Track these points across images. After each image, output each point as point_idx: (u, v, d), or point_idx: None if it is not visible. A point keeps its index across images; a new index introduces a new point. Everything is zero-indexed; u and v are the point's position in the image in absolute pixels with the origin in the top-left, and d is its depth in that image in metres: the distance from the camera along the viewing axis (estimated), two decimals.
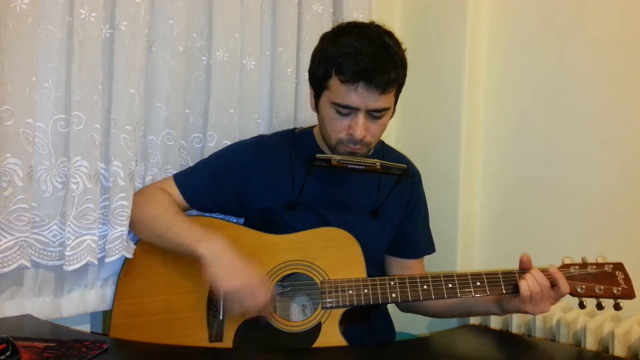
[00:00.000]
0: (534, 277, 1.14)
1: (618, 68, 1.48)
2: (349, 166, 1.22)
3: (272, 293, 1.17)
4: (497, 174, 1.72)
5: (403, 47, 1.23)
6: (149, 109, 1.35)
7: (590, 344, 1.34)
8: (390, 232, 1.37)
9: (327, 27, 1.61)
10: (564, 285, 1.13)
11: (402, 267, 1.42)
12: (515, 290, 1.15)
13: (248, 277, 1.15)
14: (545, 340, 1.42)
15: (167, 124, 1.37)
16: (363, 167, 1.22)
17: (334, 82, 1.18)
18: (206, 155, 1.42)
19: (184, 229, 1.22)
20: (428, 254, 1.45)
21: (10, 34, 1.10)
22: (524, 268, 1.18)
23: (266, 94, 1.58)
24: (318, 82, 1.23)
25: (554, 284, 1.14)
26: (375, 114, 1.20)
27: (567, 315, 1.41)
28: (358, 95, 1.16)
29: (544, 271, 1.16)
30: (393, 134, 1.81)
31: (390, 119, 1.26)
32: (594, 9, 1.51)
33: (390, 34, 1.22)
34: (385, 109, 1.21)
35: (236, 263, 1.16)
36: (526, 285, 1.13)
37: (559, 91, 1.58)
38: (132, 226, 1.30)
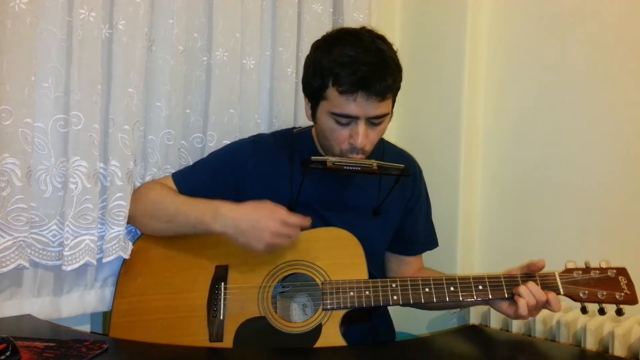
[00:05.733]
0: (533, 294, 1.13)
1: (618, 68, 1.48)
2: (345, 168, 1.21)
3: (295, 217, 1.19)
4: (497, 174, 1.72)
5: (395, 49, 1.22)
6: (149, 109, 1.35)
7: (590, 344, 1.34)
8: (391, 230, 1.37)
9: (327, 27, 1.61)
10: (557, 307, 1.14)
11: (400, 262, 1.42)
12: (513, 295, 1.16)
13: (270, 226, 1.16)
14: (545, 340, 1.42)
15: (167, 124, 1.37)
16: (359, 169, 1.22)
17: (332, 92, 1.17)
18: (206, 155, 1.41)
19: (191, 208, 1.23)
20: (429, 249, 1.45)
21: (9, 33, 1.10)
22: (531, 272, 1.17)
23: (266, 94, 1.58)
24: (314, 92, 1.22)
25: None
26: (374, 121, 1.19)
27: (567, 315, 1.41)
28: (357, 105, 1.16)
29: (547, 277, 1.16)
30: (393, 134, 1.81)
31: (389, 122, 1.26)
32: (594, 9, 1.51)
33: (383, 39, 1.21)
34: (385, 115, 1.20)
35: (252, 222, 1.18)
36: (525, 303, 1.13)
37: (558, 91, 1.58)
38: (135, 220, 1.29)
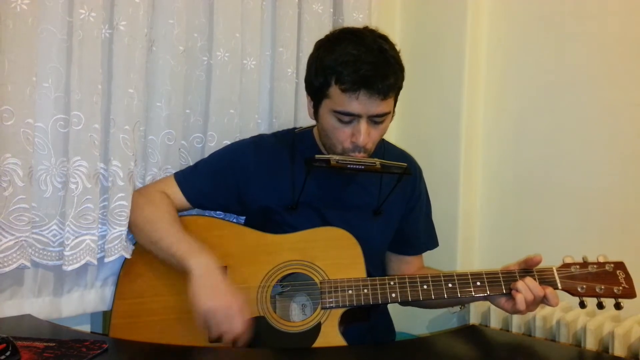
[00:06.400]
0: (530, 289, 1.13)
1: (618, 68, 1.48)
2: (349, 166, 1.22)
3: (248, 324, 1.14)
4: (497, 174, 1.72)
5: (398, 49, 1.23)
6: (149, 109, 1.35)
7: (590, 344, 1.34)
8: (392, 230, 1.37)
9: (327, 27, 1.61)
10: (554, 302, 1.14)
11: (401, 262, 1.43)
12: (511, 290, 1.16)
13: (228, 301, 1.13)
14: (545, 340, 1.42)
15: (168, 124, 1.37)
16: (363, 167, 1.22)
17: (334, 90, 1.18)
18: (207, 155, 1.42)
19: (177, 240, 1.20)
20: (430, 249, 1.45)
21: (10, 34, 1.10)
22: (529, 267, 1.17)
23: (266, 94, 1.58)
24: (317, 91, 1.22)
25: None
26: (376, 119, 1.20)
27: (567, 315, 1.41)
28: (360, 103, 1.16)
29: (545, 272, 1.16)
30: (393, 134, 1.81)
31: (390, 122, 1.26)
32: (594, 9, 1.52)
33: (385, 38, 1.22)
34: (387, 114, 1.21)
35: (220, 284, 1.14)
36: (522, 298, 1.13)
37: (559, 91, 1.58)
38: (130, 228, 1.29)
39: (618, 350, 1.28)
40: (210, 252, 1.18)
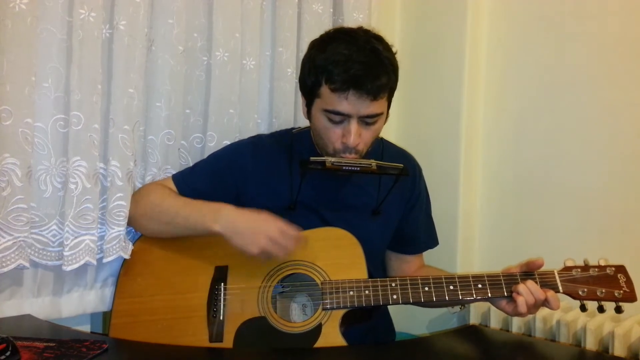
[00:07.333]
0: (531, 292, 1.13)
1: (618, 68, 1.48)
2: (344, 168, 1.21)
3: (295, 230, 1.19)
4: (496, 174, 1.72)
5: (394, 50, 1.22)
6: (149, 109, 1.35)
7: (590, 344, 1.34)
8: (391, 230, 1.37)
9: (327, 27, 1.61)
10: (555, 305, 1.13)
11: (401, 261, 1.42)
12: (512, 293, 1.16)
13: (268, 232, 1.16)
14: (545, 340, 1.42)
15: (167, 124, 1.37)
16: (358, 169, 1.22)
17: (325, 90, 1.18)
18: (206, 155, 1.42)
19: (191, 210, 1.23)
20: (430, 248, 1.45)
21: (9, 34, 1.10)
22: (530, 270, 1.17)
23: (266, 94, 1.58)
24: (309, 90, 1.23)
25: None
26: (368, 120, 1.19)
27: (567, 315, 1.41)
28: (349, 103, 1.16)
29: (546, 274, 1.16)
30: (393, 134, 1.81)
31: (384, 124, 1.26)
32: (594, 9, 1.52)
33: (379, 39, 1.21)
34: (378, 115, 1.20)
35: (251, 225, 1.18)
36: (523, 301, 1.13)
37: (558, 91, 1.58)
38: (135, 222, 1.29)
39: (618, 350, 1.28)
40: (226, 204, 1.22)
